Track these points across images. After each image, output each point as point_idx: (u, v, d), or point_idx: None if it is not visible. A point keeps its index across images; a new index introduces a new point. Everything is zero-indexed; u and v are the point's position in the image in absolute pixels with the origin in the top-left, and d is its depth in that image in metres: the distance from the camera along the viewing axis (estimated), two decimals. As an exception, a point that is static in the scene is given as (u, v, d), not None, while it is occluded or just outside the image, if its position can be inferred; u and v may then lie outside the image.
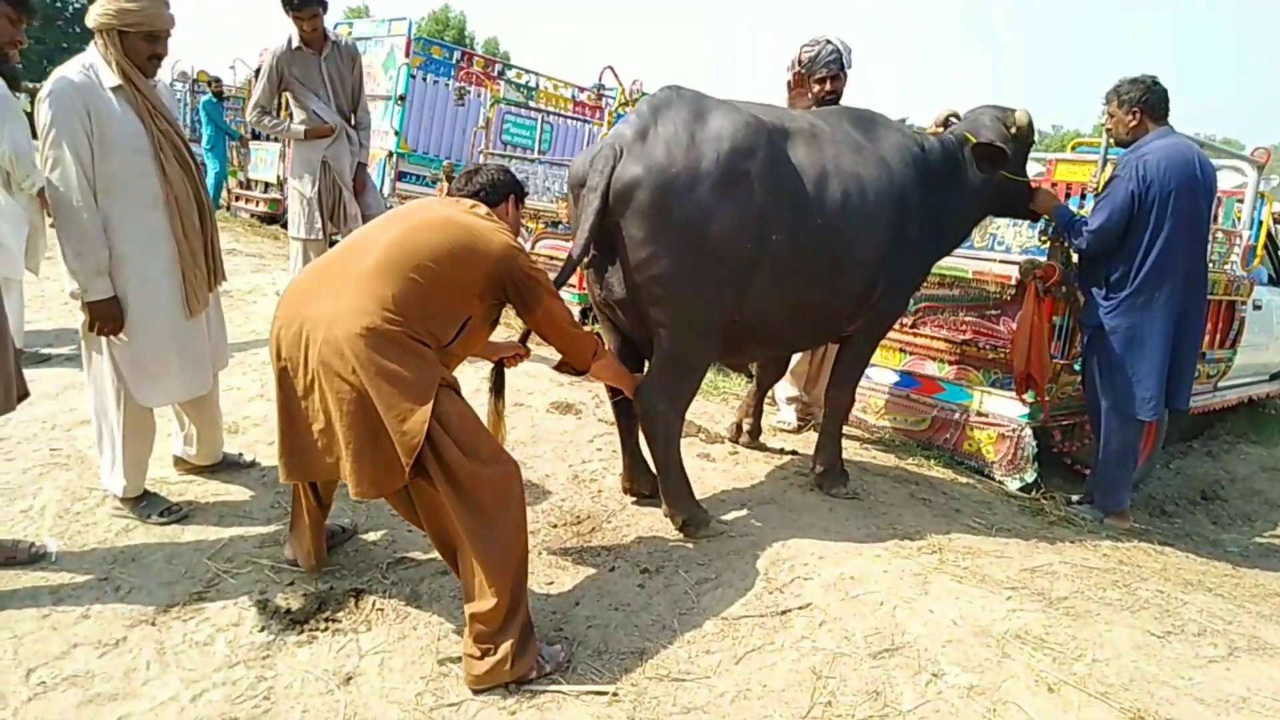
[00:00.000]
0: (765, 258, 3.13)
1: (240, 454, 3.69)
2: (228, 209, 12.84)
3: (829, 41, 4.12)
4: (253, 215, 12.38)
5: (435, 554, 3.02)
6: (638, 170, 2.97)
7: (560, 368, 3.06)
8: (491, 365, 3.10)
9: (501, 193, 2.89)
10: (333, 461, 2.45)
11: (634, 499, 3.59)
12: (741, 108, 3.19)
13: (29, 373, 4.36)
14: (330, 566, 2.95)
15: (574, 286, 6.15)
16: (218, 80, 12.96)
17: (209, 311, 3.32)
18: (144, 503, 3.18)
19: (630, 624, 2.75)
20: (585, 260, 3.13)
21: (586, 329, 2.94)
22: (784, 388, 4.92)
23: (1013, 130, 3.78)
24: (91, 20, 2.92)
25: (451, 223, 2.59)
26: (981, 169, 3.70)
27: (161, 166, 2.98)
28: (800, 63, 4.16)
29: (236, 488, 3.48)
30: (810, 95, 4.17)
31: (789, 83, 4.35)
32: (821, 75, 4.07)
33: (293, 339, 2.44)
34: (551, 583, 2.96)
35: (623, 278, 3.09)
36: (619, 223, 3.02)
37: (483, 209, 2.74)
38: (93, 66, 2.90)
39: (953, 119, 4.07)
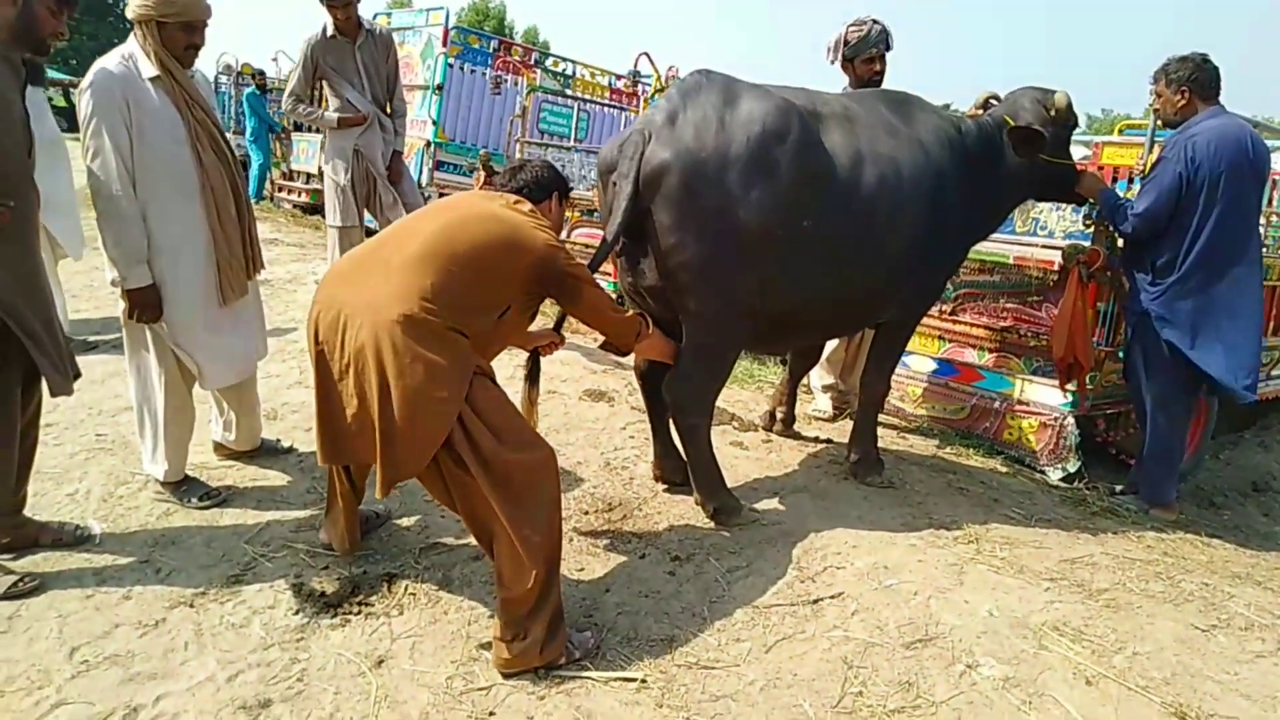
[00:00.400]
0: (797, 243, 3.09)
1: (278, 440, 3.75)
2: (271, 199, 13.03)
3: (875, 21, 4.17)
4: (295, 206, 12.55)
5: (467, 540, 3.06)
6: (666, 155, 2.95)
7: (605, 348, 3.10)
8: (527, 353, 3.11)
9: (546, 190, 2.89)
10: (366, 445, 2.47)
11: (665, 486, 3.58)
12: (773, 91, 3.15)
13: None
14: (364, 551, 2.98)
15: (608, 274, 6.14)
16: (261, 73, 13.14)
17: (250, 300, 3.37)
18: (184, 487, 3.24)
19: (660, 611, 2.75)
20: (617, 247, 3.12)
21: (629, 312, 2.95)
22: (819, 375, 4.87)
23: (1052, 113, 3.68)
24: (131, 11, 2.97)
25: (494, 217, 2.59)
26: (1019, 153, 3.62)
27: (198, 156, 3.02)
28: (848, 43, 4.16)
29: (274, 473, 3.54)
30: (856, 76, 4.18)
31: (842, 65, 4.29)
32: (870, 55, 4.13)
33: (330, 323, 2.46)
34: (582, 569, 2.97)
35: (652, 264, 3.08)
36: (648, 208, 3.00)
37: (526, 205, 2.74)
38: (132, 57, 2.95)
39: (993, 101, 3.98)
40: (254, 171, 12.58)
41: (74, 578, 2.72)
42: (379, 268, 2.47)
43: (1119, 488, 4.32)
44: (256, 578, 2.81)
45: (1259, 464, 5.95)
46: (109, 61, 2.94)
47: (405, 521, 3.23)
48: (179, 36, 2.97)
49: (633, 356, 3.44)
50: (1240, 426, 6.55)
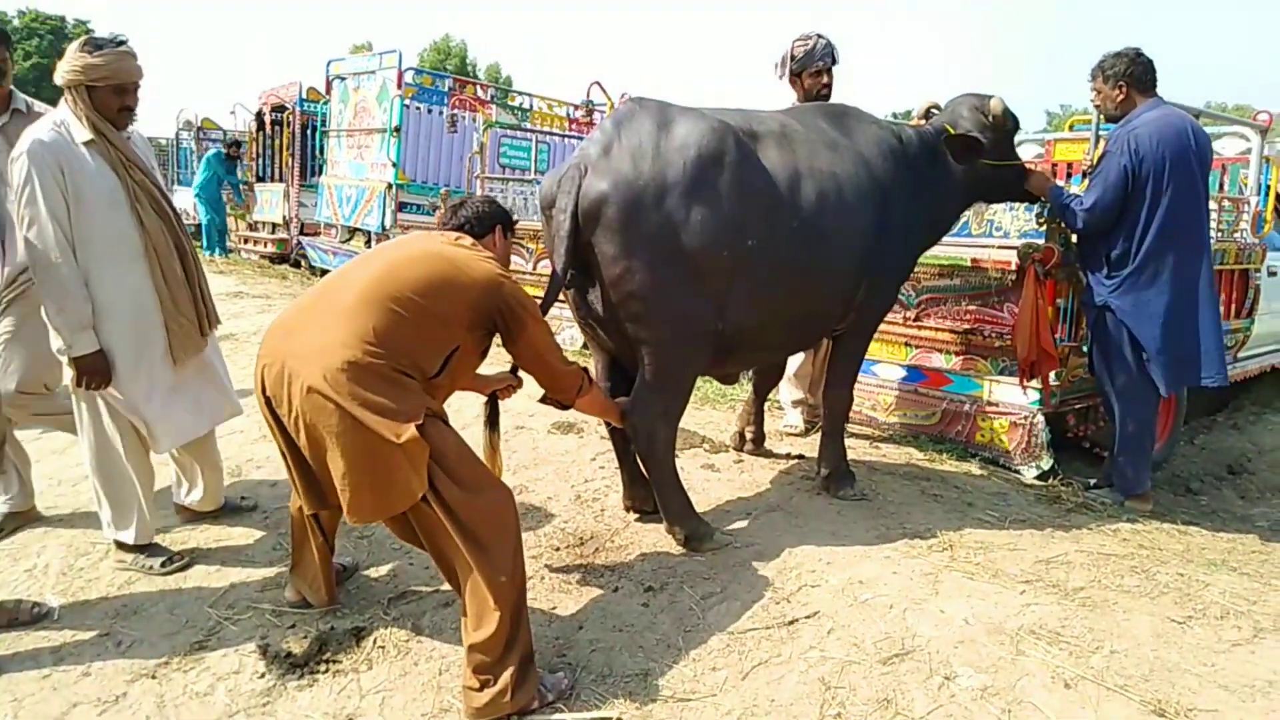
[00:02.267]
0: (743, 264, 3.09)
1: (242, 498, 3.69)
2: (237, 252, 12.99)
3: (820, 36, 4.24)
4: (261, 256, 12.50)
5: (437, 586, 3.02)
6: (603, 186, 2.94)
7: (545, 400, 3.01)
8: (485, 398, 3.07)
9: (487, 224, 2.86)
10: (340, 488, 2.43)
11: (637, 516, 3.54)
12: (707, 113, 3.15)
13: (33, 432, 4.40)
14: (331, 606, 2.92)
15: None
16: (236, 145, 13.16)
17: (208, 358, 3.32)
18: (146, 553, 3.18)
19: (635, 645, 2.70)
20: (566, 280, 3.10)
21: (573, 364, 2.89)
22: (788, 391, 4.87)
23: (989, 119, 3.73)
24: (59, 78, 2.94)
25: (434, 255, 2.57)
26: (959, 160, 3.65)
27: (139, 217, 2.99)
28: (794, 58, 4.22)
29: (239, 531, 3.48)
30: (804, 90, 4.24)
31: (789, 78, 4.33)
32: (816, 69, 4.21)
33: (276, 377, 2.42)
34: (554, 607, 2.92)
35: (601, 295, 3.06)
36: (590, 240, 2.99)
37: (468, 240, 2.72)
38: (64, 123, 2.92)
39: (934, 110, 4.03)
40: (204, 228, 12.59)
41: (31, 658, 2.65)
42: (320, 317, 2.44)
43: (1093, 482, 4.32)
44: (221, 642, 2.75)
45: (1233, 446, 5.99)
46: (40, 129, 2.91)
47: (373, 572, 3.17)
48: (110, 100, 2.95)
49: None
50: (1212, 410, 6.61)
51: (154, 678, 2.57)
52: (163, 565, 3.15)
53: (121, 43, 2.98)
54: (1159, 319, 3.89)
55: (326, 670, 2.61)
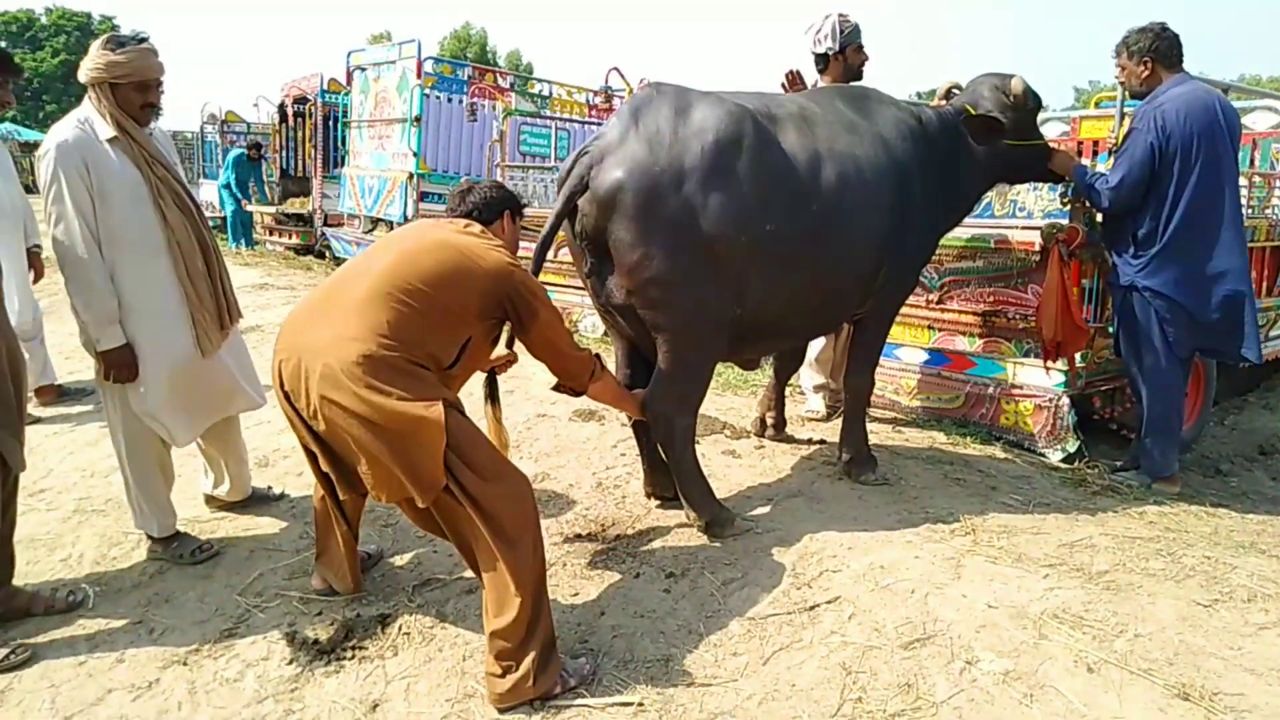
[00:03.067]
0: (762, 249, 3.08)
1: (269, 487, 3.74)
2: (262, 244, 13.11)
3: (847, 15, 4.19)
4: (287, 248, 12.61)
5: (461, 574, 3.05)
6: (619, 173, 2.94)
7: (558, 388, 3.02)
8: (484, 375, 3.08)
9: (496, 210, 2.87)
10: (364, 474, 2.46)
11: (658, 503, 3.55)
12: (725, 97, 3.14)
13: (67, 412, 4.50)
14: (357, 593, 2.96)
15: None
16: (257, 146, 13.25)
17: (231, 349, 3.37)
18: (176, 543, 3.24)
19: (656, 631, 2.72)
20: (547, 251, 3.18)
21: (584, 350, 2.89)
22: (809, 376, 4.85)
23: (1010, 99, 3.69)
24: (83, 75, 2.99)
25: (444, 245, 2.58)
26: (979, 140, 3.61)
27: (162, 213, 3.03)
28: (843, 32, 4.13)
29: (266, 520, 3.53)
30: (847, 65, 4.18)
31: (831, 56, 4.18)
32: (860, 43, 4.17)
33: (292, 372, 2.46)
34: (576, 594, 2.95)
35: (620, 283, 3.06)
36: (608, 227, 2.99)
37: (476, 228, 2.73)
38: (88, 120, 2.96)
39: (955, 90, 3.98)
40: (229, 221, 12.70)
41: (67, 645, 2.71)
42: (333, 311, 2.47)
43: (1119, 464, 4.28)
44: (250, 630, 2.80)
45: (1264, 426, 5.89)
46: (65, 126, 2.95)
47: (398, 560, 3.21)
48: (133, 97, 2.98)
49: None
50: (1243, 390, 6.49)
51: (185, 664, 2.63)
52: (193, 554, 3.21)
53: (144, 40, 3.01)
54: (1187, 297, 3.82)
55: (352, 657, 2.65)
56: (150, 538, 3.24)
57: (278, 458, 4.14)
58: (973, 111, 3.64)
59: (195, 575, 3.13)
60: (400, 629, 2.78)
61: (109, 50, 2.94)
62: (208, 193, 14.71)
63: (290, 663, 2.62)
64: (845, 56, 4.18)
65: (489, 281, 2.55)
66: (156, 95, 3.08)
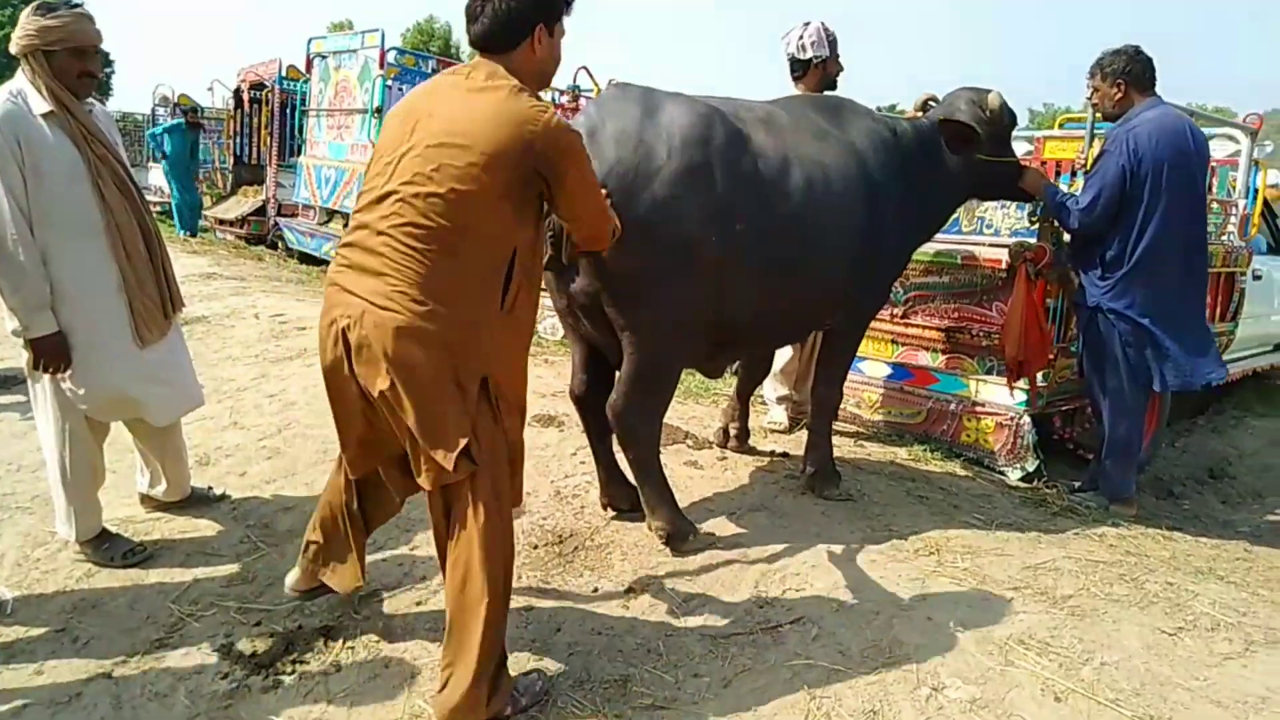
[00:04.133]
0: (732, 251, 3.00)
1: (210, 487, 3.56)
2: (211, 232, 12.74)
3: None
4: (237, 237, 12.26)
5: (410, 586, 2.92)
6: None
7: (572, 255, 2.67)
8: None
9: (519, 26, 2.19)
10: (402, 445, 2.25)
11: (614, 514, 3.45)
12: (694, 98, 3.06)
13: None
14: (298, 602, 2.81)
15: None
16: (194, 109, 12.82)
17: (173, 342, 3.19)
18: (106, 545, 3.05)
19: (614, 649, 2.62)
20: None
21: None
22: (773, 387, 4.79)
23: (987, 113, 3.66)
24: (14, 46, 2.80)
25: (446, 148, 2.09)
26: (952, 148, 3.59)
27: (100, 193, 2.85)
28: (827, 43, 4.07)
29: (205, 523, 3.35)
30: (826, 74, 4.11)
31: (813, 64, 4.09)
32: (838, 54, 4.12)
33: (332, 334, 2.19)
34: (531, 608, 2.83)
35: (586, 283, 2.96)
36: None
37: (482, 74, 2.17)
38: (21, 93, 2.77)
39: (931, 103, 3.96)
40: (175, 206, 12.29)
41: (-20, 654, 2.53)
42: (370, 257, 2.15)
43: (1077, 485, 4.28)
44: (183, 640, 2.63)
45: (1214, 449, 5.99)
46: (-5, 99, 2.76)
47: (344, 568, 3.06)
48: (70, 65, 2.80)
49: (569, 382, 3.32)
50: (1193, 413, 6.60)
51: (110, 677, 2.46)
52: (124, 557, 3.02)
53: (76, 5, 2.83)
54: (1151, 321, 3.84)
55: (293, 672, 2.51)
56: (73, 541, 3.05)
57: (219, 456, 3.95)
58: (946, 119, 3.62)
59: (126, 579, 2.94)
60: (344, 643, 2.63)
61: (40, 16, 2.76)
62: (158, 177, 14.26)
63: (225, 677, 2.47)
64: (826, 66, 4.12)
65: (509, 170, 2.09)
66: (95, 63, 2.91)
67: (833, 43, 4.07)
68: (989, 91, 3.71)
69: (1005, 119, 3.73)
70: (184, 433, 3.44)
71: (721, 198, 2.96)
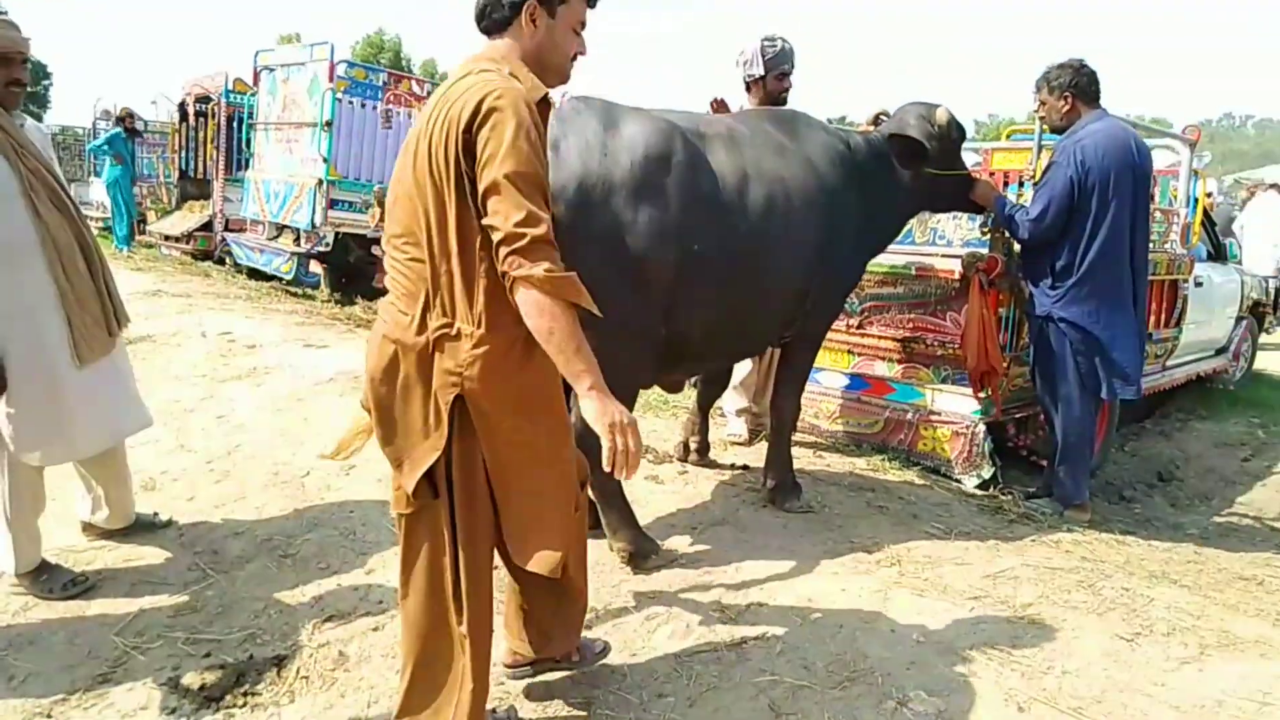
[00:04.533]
0: (690, 267, 2.99)
1: (155, 513, 3.44)
2: (156, 248, 12.43)
3: (785, 40, 4.12)
4: (184, 252, 11.98)
5: (365, 610, 2.85)
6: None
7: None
8: None
9: (508, 6, 1.99)
10: None
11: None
12: (654, 114, 3.04)
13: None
14: (249, 631, 2.72)
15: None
16: (130, 115, 12.48)
17: (116, 362, 3.08)
18: (44, 576, 2.93)
19: (578, 670, 2.57)
20: None
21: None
22: (732, 399, 4.79)
23: (936, 128, 3.70)
24: None
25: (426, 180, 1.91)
26: (901, 163, 3.63)
27: (35, 209, 2.74)
28: (764, 57, 4.07)
29: (151, 550, 3.24)
30: (767, 92, 4.12)
31: (753, 81, 4.15)
32: (782, 71, 4.10)
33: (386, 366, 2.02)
34: (494, 631, 2.76)
35: None
36: None
37: (471, 76, 1.93)
38: (-53, 106, 2.67)
39: (883, 117, 4.00)
40: (116, 222, 11.95)
41: (-92, 697, 2.40)
42: (399, 282, 2.02)
43: (1032, 490, 4.34)
44: (127, 675, 2.54)
45: (1162, 453, 6.12)
46: (-77, 114, 2.65)
47: (296, 594, 2.97)
48: None
49: None
50: (1141, 417, 6.74)
51: (50, 717, 2.35)
52: (64, 588, 2.91)
53: (1, 12, 2.74)
54: (1101, 329, 3.90)
55: (244, 704, 2.43)
56: (10, 573, 2.92)
57: (165, 480, 3.83)
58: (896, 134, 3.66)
59: (66, 612, 2.83)
60: (298, 672, 2.56)
61: None
62: (99, 191, 13.89)
63: (173, 713, 2.38)
64: (766, 83, 4.14)
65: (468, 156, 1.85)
66: (21, 72, 2.82)
67: (773, 58, 4.07)
68: (937, 107, 3.76)
69: (954, 134, 3.78)
70: (128, 456, 3.33)
71: (681, 215, 2.94)
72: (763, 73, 4.08)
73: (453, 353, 1.93)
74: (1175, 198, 5.97)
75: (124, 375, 3.17)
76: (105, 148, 11.74)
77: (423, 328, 1.95)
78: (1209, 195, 7.04)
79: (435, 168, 1.89)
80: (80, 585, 2.94)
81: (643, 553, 3.12)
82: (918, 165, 3.67)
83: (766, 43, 4.10)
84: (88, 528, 3.30)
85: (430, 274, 1.94)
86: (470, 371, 1.92)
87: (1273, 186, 11.49)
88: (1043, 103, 4.05)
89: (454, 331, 1.93)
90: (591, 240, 2.82)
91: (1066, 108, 3.96)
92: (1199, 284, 6.31)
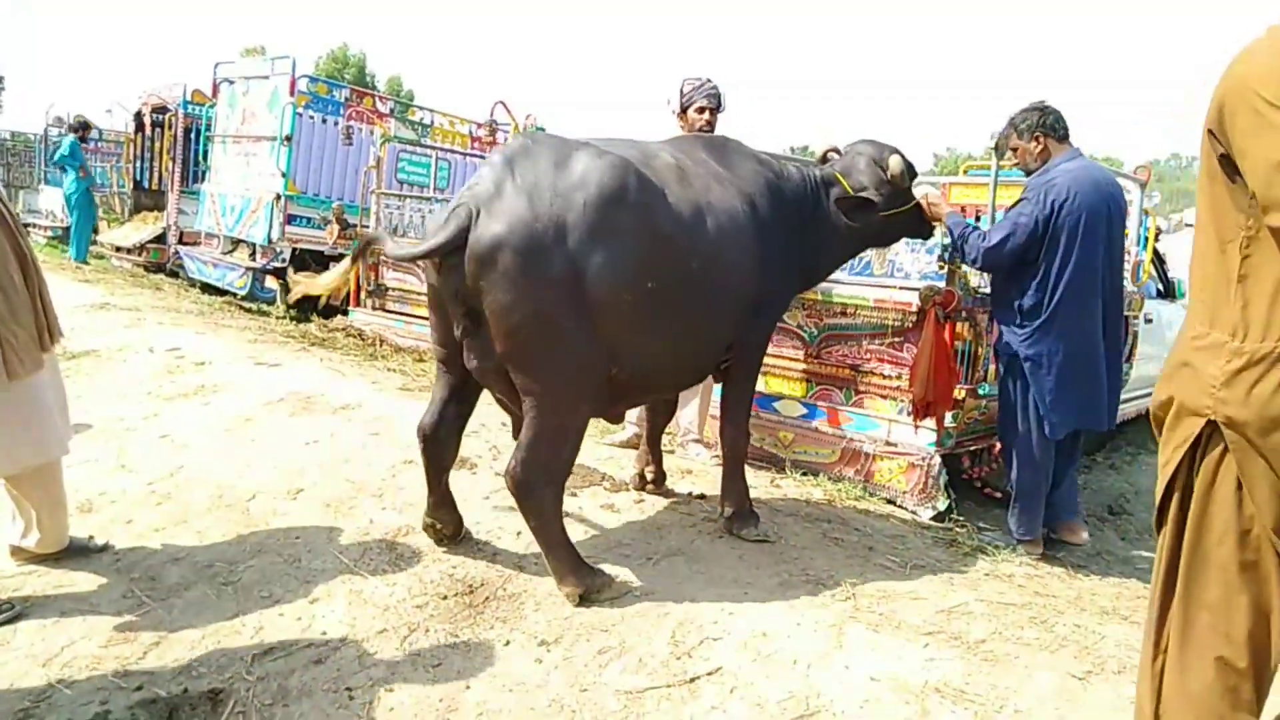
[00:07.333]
0: (642, 306, 2.97)
1: (91, 537, 3.31)
2: (107, 260, 12.15)
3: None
4: (136, 265, 11.72)
5: (308, 640, 2.75)
6: (498, 228, 2.75)
7: None
8: None
9: None
10: None
11: (444, 548, 3.37)
12: (604, 149, 3.02)
13: None
14: (184, 663, 2.62)
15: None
16: (84, 123, 12.22)
17: (46, 379, 2.97)
18: (-33, 603, 2.80)
19: (525, 707, 2.51)
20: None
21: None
22: (683, 430, 4.78)
23: (887, 175, 3.74)
24: None
25: None
26: (854, 220, 3.73)
27: (-31, 219, 2.64)
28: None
29: (84, 576, 3.11)
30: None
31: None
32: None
33: None
34: (439, 664, 2.69)
35: (493, 345, 2.87)
36: (482, 287, 2.79)
37: None
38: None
39: (833, 154, 4.03)
40: (73, 232, 11.64)
41: None
42: None
43: (982, 525, 4.37)
44: (51, 709, 2.42)
45: (1112, 486, 6.20)
46: None
47: (233, 624, 2.87)
48: None
49: (421, 417, 3.25)
50: (1090, 450, 6.84)
51: (-35, 755, 2.23)
52: (-12, 617, 2.78)
53: None
54: (1067, 367, 3.93)
55: (175, 742, 2.32)
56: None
57: (103, 502, 3.69)
58: (847, 188, 3.70)
59: (-11, 642, 2.70)
60: (234, 708, 2.45)
61: None
62: (50, 200, 13.56)
63: (98, 751, 2.27)
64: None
65: None
66: None
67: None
68: (890, 153, 3.78)
69: (905, 183, 3.82)
70: (64, 476, 3.21)
71: (637, 255, 2.93)
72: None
73: None
74: (1127, 236, 6.10)
75: (57, 392, 3.05)
76: (70, 159, 11.46)
77: None
78: (1158, 233, 7.20)
79: None
80: (6, 613, 2.81)
81: (593, 590, 3.04)
82: (867, 217, 3.74)
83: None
84: (16, 551, 3.16)
85: None
86: None
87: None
88: (1014, 150, 4.09)
89: None
90: (545, 285, 2.79)
91: (1039, 148, 4.01)
92: (1149, 320, 6.44)
